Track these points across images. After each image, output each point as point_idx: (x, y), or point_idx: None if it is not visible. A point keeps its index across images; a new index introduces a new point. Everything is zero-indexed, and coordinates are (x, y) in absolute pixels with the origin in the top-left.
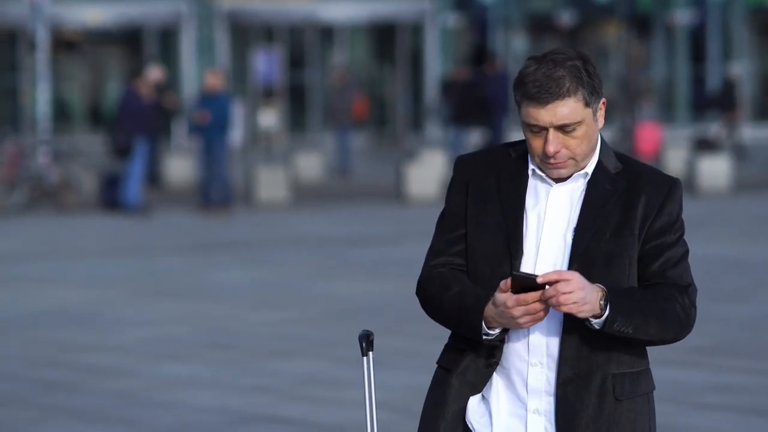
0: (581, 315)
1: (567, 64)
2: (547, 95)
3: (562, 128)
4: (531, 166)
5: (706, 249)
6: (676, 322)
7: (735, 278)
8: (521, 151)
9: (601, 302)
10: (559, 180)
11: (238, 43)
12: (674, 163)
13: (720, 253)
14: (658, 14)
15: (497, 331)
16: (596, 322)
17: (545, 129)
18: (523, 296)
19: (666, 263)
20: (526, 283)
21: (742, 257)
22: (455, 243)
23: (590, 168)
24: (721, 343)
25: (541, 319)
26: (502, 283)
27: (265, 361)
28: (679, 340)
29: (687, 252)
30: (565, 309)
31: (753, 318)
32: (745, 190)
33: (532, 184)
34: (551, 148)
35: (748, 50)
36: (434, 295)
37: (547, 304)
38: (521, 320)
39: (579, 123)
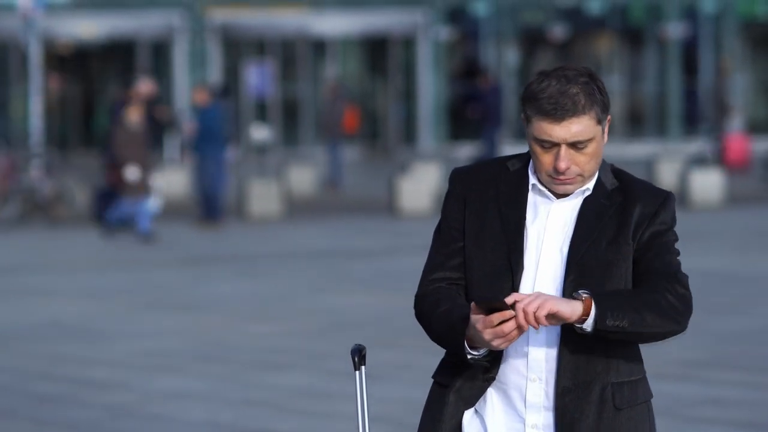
0: (560, 314)
1: (579, 80)
2: (562, 111)
3: (574, 145)
4: (532, 181)
5: (700, 262)
6: (673, 309)
7: (728, 292)
8: (520, 164)
9: (585, 297)
10: (561, 196)
11: (231, 56)
12: (667, 176)
13: (713, 266)
14: (650, 27)
15: (482, 351)
16: (587, 324)
17: (557, 145)
18: (488, 318)
19: (655, 257)
20: (494, 306)
21: (735, 271)
22: (453, 256)
23: (591, 185)
24: (715, 357)
25: (513, 339)
26: (473, 305)
27: (258, 374)
28: (684, 327)
29: (677, 252)
30: (539, 314)
31: (747, 331)
32: (737, 203)
33: (532, 199)
34: (562, 165)
35: (741, 63)
36: (425, 312)
37: (519, 326)
38: (494, 342)
39: (590, 140)
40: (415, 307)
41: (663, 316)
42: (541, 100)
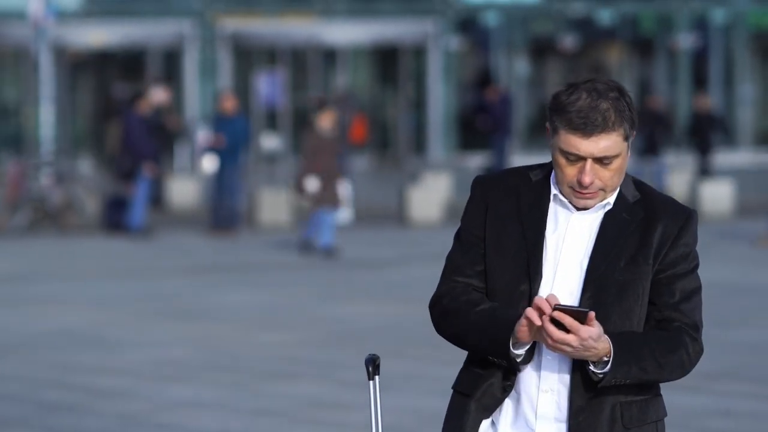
0: (583, 357)
1: (610, 95)
2: (592, 127)
3: (600, 160)
4: (553, 191)
5: (710, 273)
6: (680, 369)
7: (739, 303)
8: (542, 174)
9: (605, 359)
10: (581, 208)
11: (241, 65)
12: (677, 188)
13: (724, 277)
14: (661, 38)
15: (523, 350)
16: (595, 375)
17: (582, 159)
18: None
19: (680, 295)
20: (574, 314)
21: (745, 282)
22: (474, 263)
23: (612, 199)
24: (725, 368)
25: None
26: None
27: (268, 384)
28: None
29: (700, 287)
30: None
31: (757, 343)
32: (747, 214)
33: (553, 209)
34: (587, 179)
35: (751, 74)
36: (459, 309)
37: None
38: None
39: (617, 156)
40: (436, 305)
41: (667, 375)
42: (571, 113)
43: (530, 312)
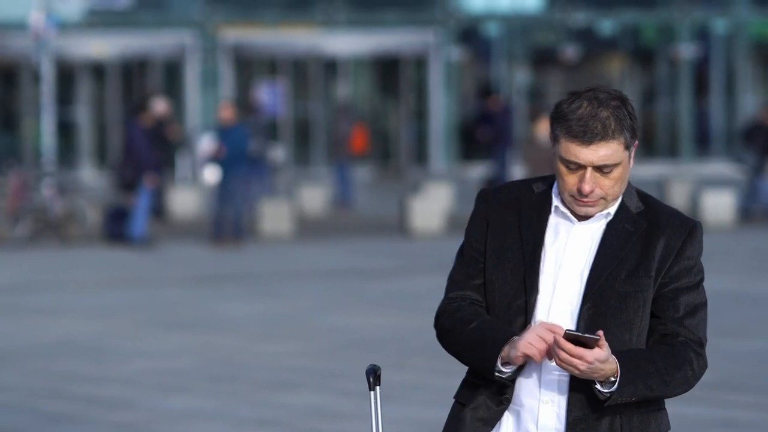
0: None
1: (611, 104)
2: (591, 135)
3: (600, 168)
4: (554, 203)
5: (712, 284)
6: (684, 385)
7: (741, 313)
8: (544, 187)
9: (612, 379)
10: (581, 218)
11: (243, 75)
12: (679, 197)
13: (725, 287)
14: (662, 48)
15: (510, 369)
16: (601, 394)
17: (583, 167)
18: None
19: (684, 310)
20: (579, 340)
21: (747, 292)
22: (474, 277)
23: (613, 208)
24: (727, 378)
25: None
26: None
27: (270, 394)
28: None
29: (705, 303)
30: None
31: (759, 353)
32: (750, 224)
33: (554, 220)
34: (587, 187)
35: (752, 84)
36: (448, 328)
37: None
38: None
39: (617, 165)
40: (436, 323)
41: (671, 392)
42: (571, 122)
43: (535, 339)
